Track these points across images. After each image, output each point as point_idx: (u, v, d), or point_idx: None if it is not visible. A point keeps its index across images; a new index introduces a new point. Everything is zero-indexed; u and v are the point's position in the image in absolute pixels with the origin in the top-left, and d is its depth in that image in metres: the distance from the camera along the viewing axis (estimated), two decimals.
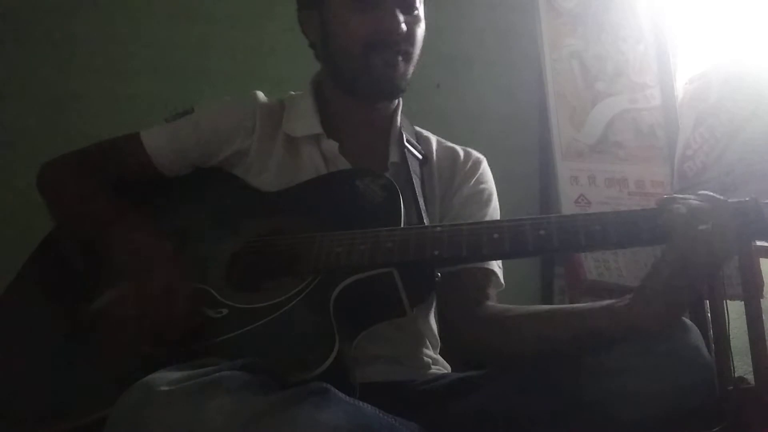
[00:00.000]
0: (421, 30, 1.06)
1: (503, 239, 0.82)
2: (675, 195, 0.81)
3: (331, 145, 1.07)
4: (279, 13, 1.92)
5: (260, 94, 1.14)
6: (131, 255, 0.92)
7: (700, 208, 0.78)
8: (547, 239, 0.81)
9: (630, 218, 0.80)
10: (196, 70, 1.96)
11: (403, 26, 1.00)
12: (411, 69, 1.06)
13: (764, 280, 1.71)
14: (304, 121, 1.09)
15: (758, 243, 1.70)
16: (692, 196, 0.80)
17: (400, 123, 1.13)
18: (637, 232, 0.79)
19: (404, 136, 1.11)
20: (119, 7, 1.94)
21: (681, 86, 1.80)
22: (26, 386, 0.89)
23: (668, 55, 1.87)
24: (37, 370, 0.91)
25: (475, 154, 1.17)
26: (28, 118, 1.83)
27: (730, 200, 0.79)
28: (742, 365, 1.70)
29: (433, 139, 1.18)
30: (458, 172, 1.13)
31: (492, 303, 1.03)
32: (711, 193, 0.80)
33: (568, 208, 1.92)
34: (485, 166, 1.16)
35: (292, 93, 1.16)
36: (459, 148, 1.18)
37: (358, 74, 1.04)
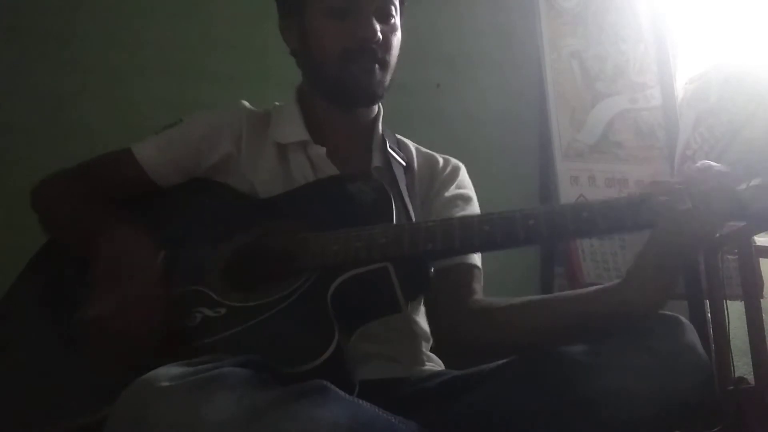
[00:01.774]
0: (396, 39, 1.09)
1: (494, 230, 0.85)
2: (656, 180, 0.86)
3: (319, 150, 1.09)
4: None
5: (246, 104, 1.17)
6: (106, 268, 0.92)
7: (681, 191, 0.81)
8: (536, 228, 0.83)
9: (616, 205, 0.83)
10: (196, 70, 1.96)
11: (379, 35, 1.03)
12: (388, 76, 1.08)
13: (764, 280, 1.71)
14: (291, 128, 1.11)
15: (758, 242, 1.71)
16: (674, 180, 0.84)
17: (382, 130, 1.16)
18: (623, 218, 0.82)
19: (387, 142, 1.14)
20: (119, 7, 1.94)
21: (681, 86, 1.80)
22: (26, 386, 0.89)
23: (668, 55, 1.87)
24: (37, 370, 0.91)
25: (454, 161, 1.20)
26: (28, 118, 1.83)
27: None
28: (742, 365, 1.70)
29: (413, 147, 1.21)
30: (437, 178, 1.16)
31: (479, 297, 1.05)
32: (696, 173, 0.84)
33: None
34: (464, 172, 1.19)
35: (277, 103, 1.19)
36: (438, 155, 1.21)
37: (336, 81, 1.06)
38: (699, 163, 0.86)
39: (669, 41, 1.93)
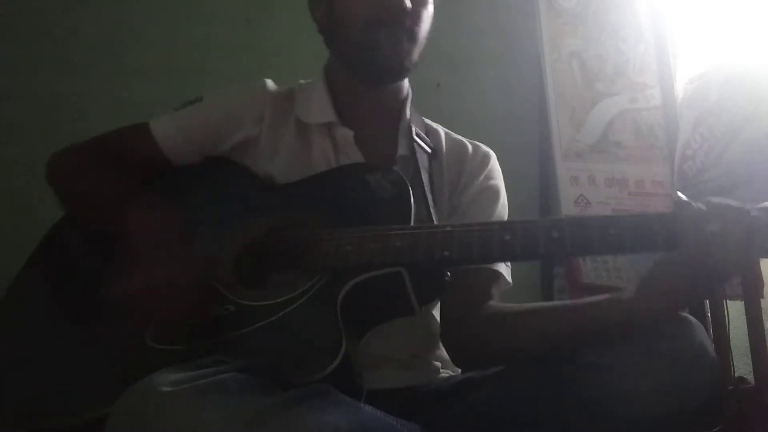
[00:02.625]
0: (427, 11, 1.06)
1: (515, 242, 0.81)
2: (689, 201, 0.80)
3: (346, 133, 1.06)
4: (280, 13, 1.92)
5: (269, 82, 1.14)
6: (141, 241, 0.90)
7: (713, 213, 0.77)
8: (559, 242, 0.79)
9: (645, 222, 0.79)
10: (196, 70, 1.96)
11: (407, 2, 1.00)
12: (416, 50, 1.05)
13: (764, 280, 1.71)
14: (318, 108, 1.08)
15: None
16: (711, 200, 0.79)
17: (410, 116, 1.12)
18: (652, 238, 0.78)
19: (413, 128, 1.10)
20: (119, 7, 1.94)
21: (681, 86, 1.80)
22: (26, 383, 0.89)
23: (668, 55, 1.87)
24: (38, 368, 0.91)
25: (484, 148, 1.17)
26: (28, 118, 1.83)
27: (750, 208, 0.77)
28: (742, 365, 1.70)
29: (442, 132, 1.18)
30: (466, 167, 1.13)
31: (494, 302, 1.03)
32: (728, 201, 0.78)
33: (567, 208, 1.93)
34: (494, 161, 1.16)
35: (302, 81, 1.16)
36: (467, 142, 1.17)
37: (362, 52, 1.03)
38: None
39: (669, 41, 1.92)
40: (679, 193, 0.81)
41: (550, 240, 0.80)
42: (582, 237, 0.79)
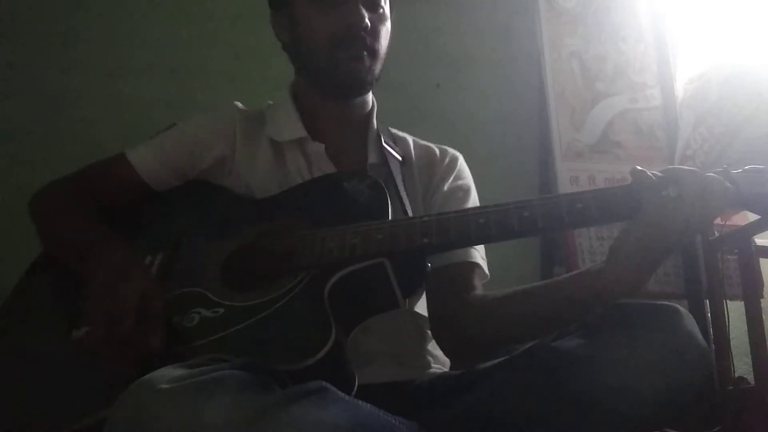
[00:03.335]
0: (386, 28, 1.09)
1: (489, 223, 0.85)
2: (638, 168, 0.85)
3: (318, 147, 1.09)
4: None
5: (239, 104, 1.18)
6: (94, 283, 0.88)
7: (668, 178, 0.82)
8: (531, 220, 0.83)
9: (608, 193, 0.84)
10: (196, 70, 1.96)
11: (367, 21, 1.04)
12: (378, 65, 1.08)
13: (764, 280, 1.71)
14: (288, 126, 1.12)
15: (758, 243, 1.71)
16: (668, 167, 0.84)
17: (376, 126, 1.16)
18: (615, 207, 0.83)
19: (382, 138, 1.14)
20: (119, 7, 1.95)
21: (681, 86, 1.80)
22: (26, 388, 0.89)
23: (668, 55, 1.88)
24: (37, 372, 0.91)
25: (451, 151, 1.20)
26: (28, 118, 1.83)
27: (706, 173, 0.83)
28: (742, 365, 1.70)
29: (410, 139, 1.22)
30: (436, 170, 1.16)
31: (479, 293, 1.05)
32: (685, 167, 0.83)
33: None
34: (462, 162, 1.20)
35: (270, 102, 1.19)
36: (434, 146, 1.21)
37: (325, 70, 1.07)
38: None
39: (669, 41, 1.93)
40: (637, 166, 0.86)
41: (521, 219, 0.84)
42: (551, 214, 0.83)
